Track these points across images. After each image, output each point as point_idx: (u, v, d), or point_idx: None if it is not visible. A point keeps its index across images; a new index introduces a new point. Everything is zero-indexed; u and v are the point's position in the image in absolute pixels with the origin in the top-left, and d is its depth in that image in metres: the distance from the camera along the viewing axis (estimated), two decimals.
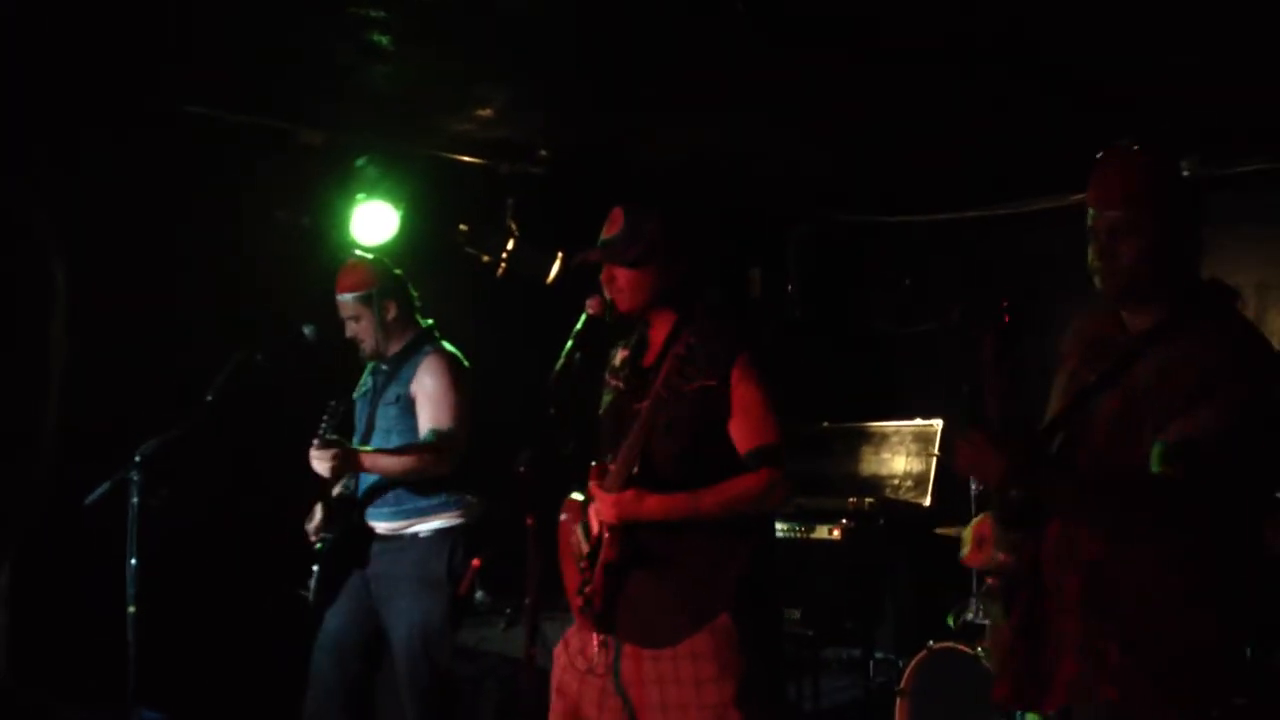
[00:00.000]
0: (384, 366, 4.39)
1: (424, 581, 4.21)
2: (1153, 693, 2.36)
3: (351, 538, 4.24)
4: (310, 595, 4.28)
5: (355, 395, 4.54)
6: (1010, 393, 2.55)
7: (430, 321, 4.48)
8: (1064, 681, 2.43)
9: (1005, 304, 2.61)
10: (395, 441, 4.23)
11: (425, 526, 4.26)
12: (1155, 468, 2.31)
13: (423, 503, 4.27)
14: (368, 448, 4.24)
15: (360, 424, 4.39)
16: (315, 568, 4.30)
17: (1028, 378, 2.59)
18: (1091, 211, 2.48)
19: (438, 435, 4.18)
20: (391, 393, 4.31)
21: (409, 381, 4.29)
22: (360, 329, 4.32)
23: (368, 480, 4.27)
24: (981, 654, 4.45)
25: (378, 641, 4.37)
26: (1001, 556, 2.58)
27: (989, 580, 2.69)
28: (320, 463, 4.01)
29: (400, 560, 4.24)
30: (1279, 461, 2.38)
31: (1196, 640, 2.37)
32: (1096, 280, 2.49)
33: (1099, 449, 2.45)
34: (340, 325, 4.43)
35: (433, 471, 4.18)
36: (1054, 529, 2.49)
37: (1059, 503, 2.49)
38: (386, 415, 4.30)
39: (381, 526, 4.26)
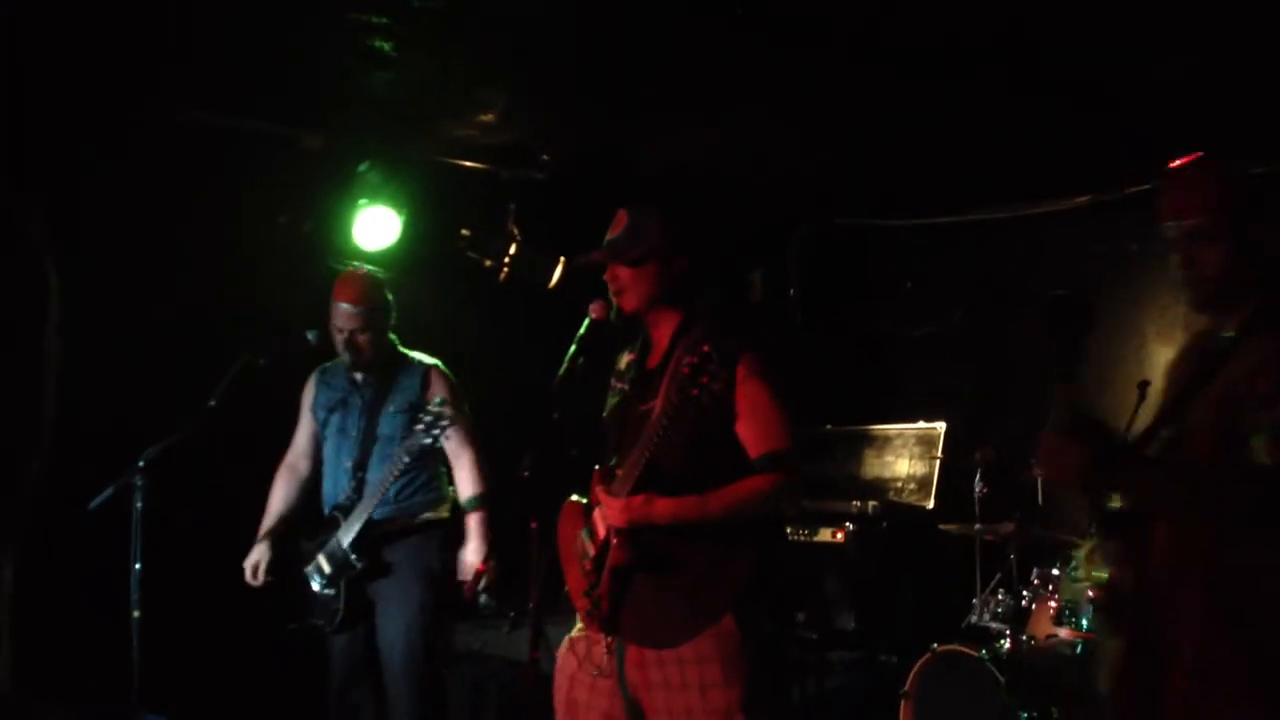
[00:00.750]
0: (366, 377, 4.41)
1: (419, 576, 4.25)
2: (1270, 712, 2.27)
3: (368, 551, 4.25)
4: (331, 624, 4.29)
5: (318, 407, 4.54)
6: (1080, 390, 2.50)
7: (394, 335, 4.51)
8: (1178, 701, 2.34)
9: (1070, 301, 2.59)
10: (397, 447, 4.24)
11: (418, 520, 4.31)
12: (1264, 459, 2.26)
13: (418, 499, 4.31)
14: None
15: (354, 432, 4.38)
16: (317, 587, 4.30)
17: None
18: (1170, 224, 2.52)
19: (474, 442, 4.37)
20: (400, 400, 4.34)
21: (418, 391, 4.33)
22: (364, 340, 4.35)
23: (373, 483, 4.28)
24: (984, 656, 4.46)
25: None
26: (1107, 571, 2.54)
27: (1095, 594, 2.59)
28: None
29: (395, 552, 4.26)
30: None
31: None
32: (1183, 291, 2.53)
33: (1196, 452, 2.41)
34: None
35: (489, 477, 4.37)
36: (1160, 536, 2.42)
37: (1146, 493, 2.44)
38: (393, 423, 4.32)
39: (377, 527, 4.27)
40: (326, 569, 4.27)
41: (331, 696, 4.34)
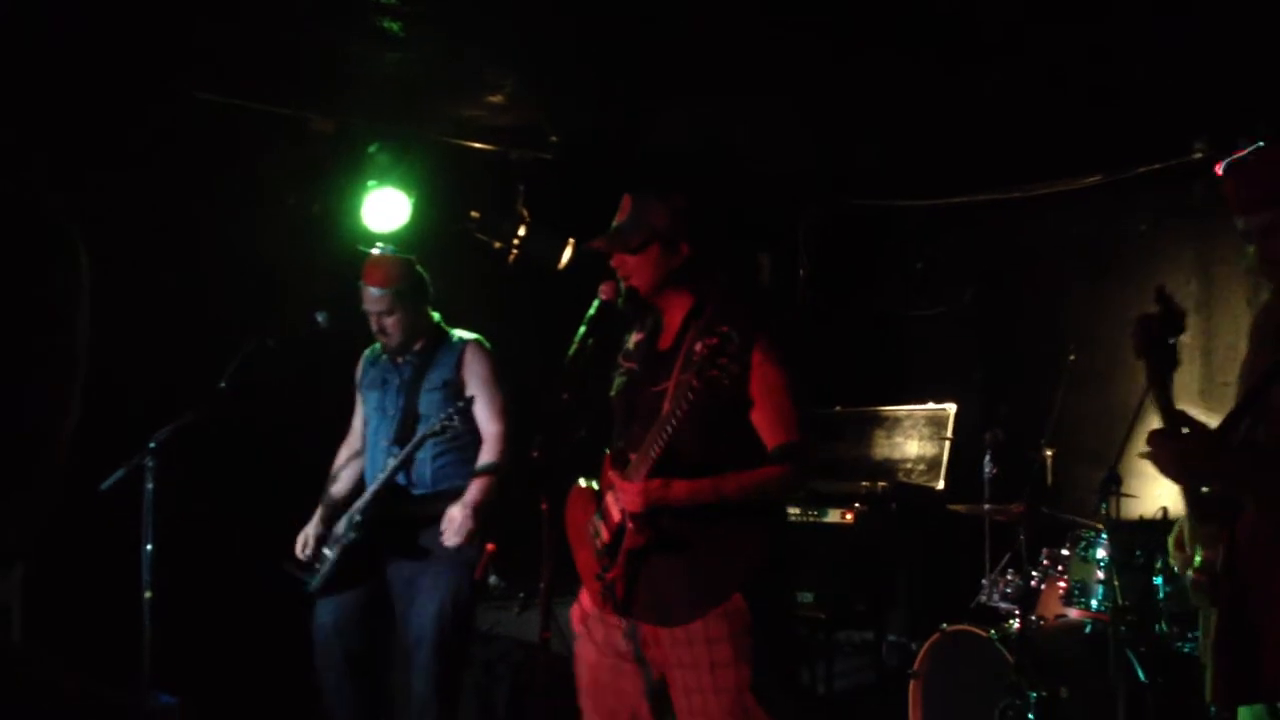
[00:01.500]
0: (407, 358, 4.42)
1: (455, 562, 4.24)
2: None
3: (380, 529, 4.24)
4: (313, 584, 4.29)
5: (364, 388, 4.55)
6: (1169, 389, 2.60)
7: (438, 315, 4.51)
8: (1272, 678, 2.41)
9: (1159, 301, 2.65)
10: (433, 424, 4.26)
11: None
12: None
13: (458, 481, 4.30)
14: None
15: (391, 411, 4.38)
16: (326, 552, 4.30)
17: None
18: (1241, 219, 2.56)
19: (505, 416, 4.33)
20: (436, 378, 4.35)
21: (455, 368, 4.34)
22: (390, 323, 4.35)
23: (383, 463, 4.28)
24: (993, 636, 4.46)
25: (380, 621, 4.41)
26: (1204, 552, 2.61)
27: (1195, 575, 2.68)
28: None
29: (432, 538, 4.25)
30: None
31: None
32: (1265, 279, 2.60)
33: (1277, 436, 2.48)
34: (356, 313, 4.43)
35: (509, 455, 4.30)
36: (1248, 517, 2.50)
37: (1245, 482, 2.52)
38: (431, 401, 4.32)
39: (413, 505, 4.28)
40: (339, 531, 4.30)
41: (323, 686, 4.31)
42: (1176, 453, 2.47)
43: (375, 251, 4.60)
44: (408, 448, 4.20)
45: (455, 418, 4.09)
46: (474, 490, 4.24)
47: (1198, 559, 2.65)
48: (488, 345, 4.47)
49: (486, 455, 4.33)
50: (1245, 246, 2.59)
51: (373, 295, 4.35)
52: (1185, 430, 2.54)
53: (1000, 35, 4.66)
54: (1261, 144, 2.61)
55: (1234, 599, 2.50)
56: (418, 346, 4.43)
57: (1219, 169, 2.66)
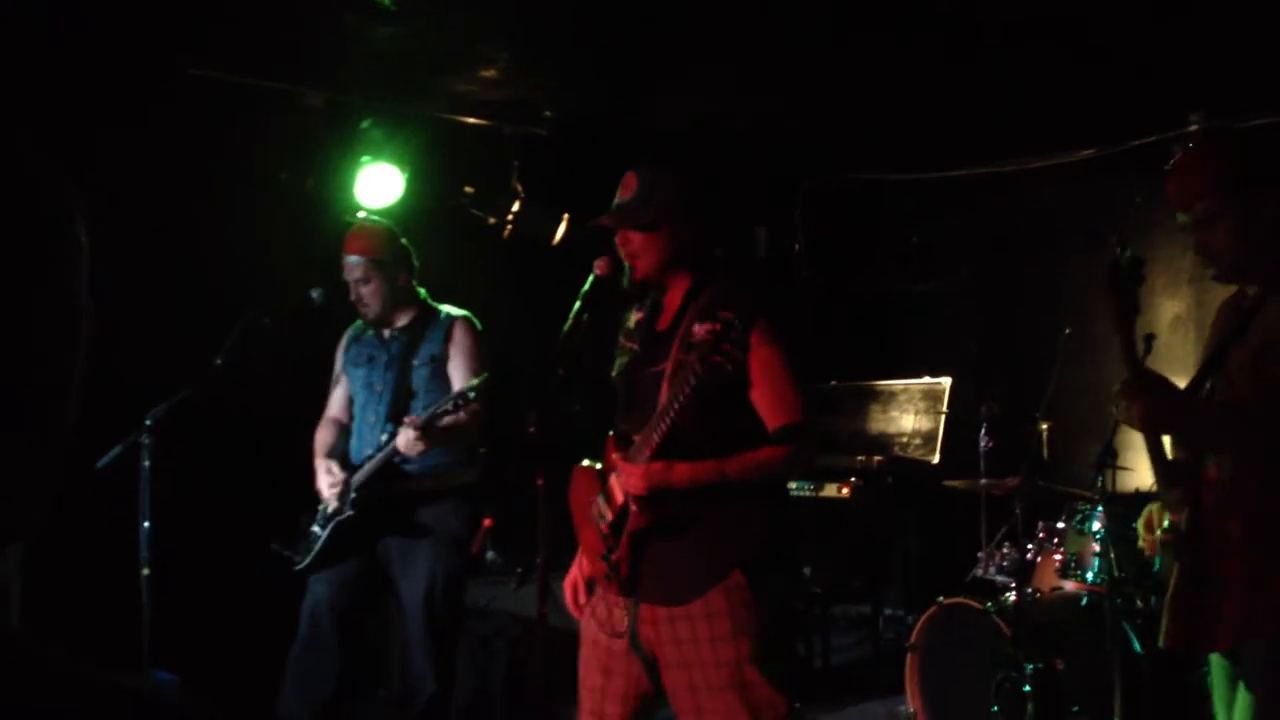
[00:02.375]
0: (394, 333, 4.39)
1: (445, 539, 4.24)
2: None
3: (372, 507, 4.23)
4: (304, 561, 4.28)
5: (348, 364, 4.52)
6: (1134, 341, 2.71)
7: (424, 291, 4.48)
8: (1232, 622, 2.53)
9: (1120, 253, 2.71)
10: (426, 401, 4.24)
11: (448, 484, 4.28)
12: None
13: (445, 459, 4.29)
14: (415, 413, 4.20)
15: (380, 387, 4.36)
16: (316, 529, 4.29)
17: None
18: (1181, 216, 2.68)
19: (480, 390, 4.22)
20: (424, 354, 4.32)
21: (442, 342, 4.32)
22: (368, 292, 4.33)
23: (375, 440, 4.27)
24: (990, 608, 4.48)
25: (374, 596, 4.40)
26: (1171, 516, 2.74)
27: (1164, 536, 2.85)
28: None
29: (423, 518, 4.25)
30: None
31: None
32: (1209, 268, 2.71)
33: (1238, 398, 2.61)
34: (347, 284, 4.42)
35: (476, 428, 4.24)
36: (1210, 478, 2.62)
37: (1202, 431, 2.67)
38: (419, 377, 4.31)
39: (405, 483, 4.27)
40: (330, 508, 4.28)
41: (296, 647, 4.26)
42: (1147, 404, 2.56)
43: (357, 220, 4.59)
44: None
45: (461, 403, 4.04)
46: (428, 417, 4.09)
47: (1166, 522, 2.78)
48: (476, 322, 4.44)
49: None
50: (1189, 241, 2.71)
51: (350, 263, 4.33)
52: (1156, 383, 2.64)
53: (994, 10, 4.64)
54: (1191, 145, 2.71)
55: (1196, 555, 2.61)
56: (403, 321, 4.39)
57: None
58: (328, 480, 4.29)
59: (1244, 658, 2.56)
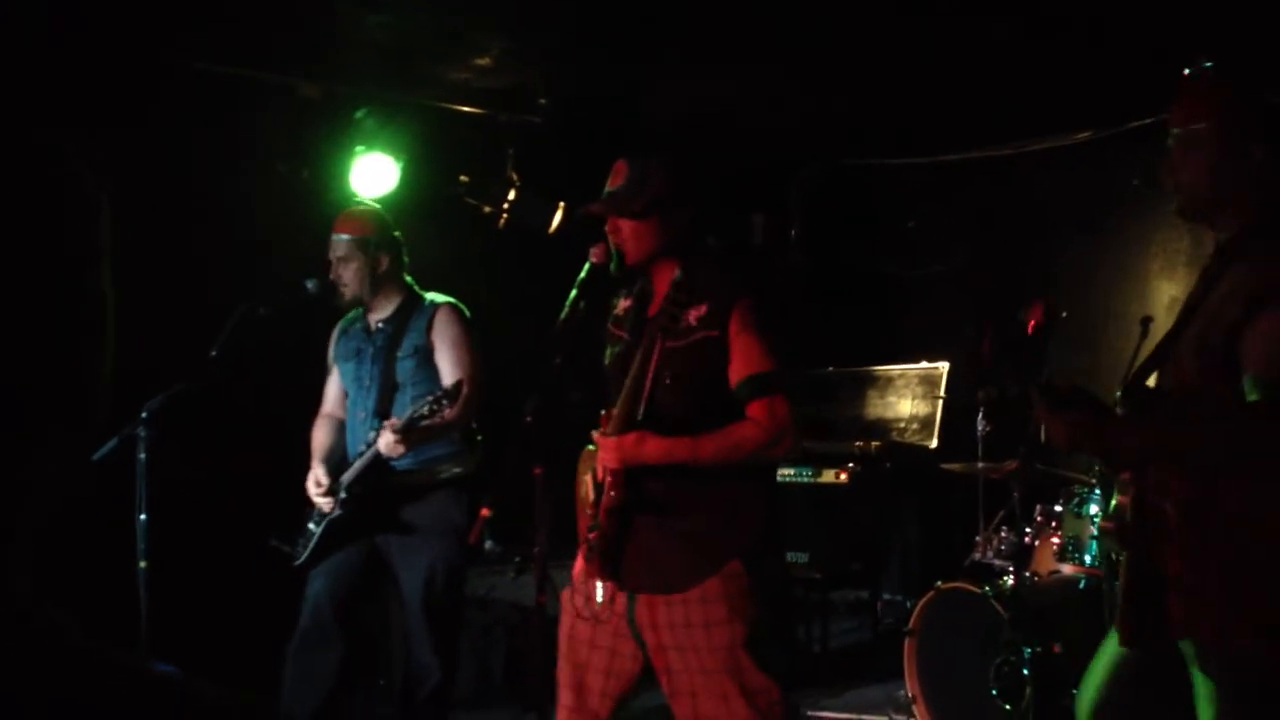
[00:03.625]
0: (379, 324, 4.37)
1: (442, 531, 4.23)
2: (1250, 625, 2.38)
3: (366, 503, 4.22)
4: (301, 556, 4.28)
5: (338, 358, 4.51)
6: (1047, 373, 2.69)
7: (411, 280, 4.46)
8: (1173, 618, 2.48)
9: (1037, 309, 2.74)
10: (413, 393, 4.23)
11: (443, 475, 4.27)
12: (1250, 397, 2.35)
13: (439, 451, 4.28)
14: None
15: (367, 381, 4.35)
16: (312, 526, 4.29)
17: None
18: (1172, 130, 2.57)
19: (472, 382, 4.21)
20: (408, 345, 4.30)
21: (425, 331, 4.30)
22: (347, 273, 4.31)
23: (365, 435, 4.26)
24: (988, 592, 4.48)
25: (374, 588, 4.40)
26: (1118, 499, 2.67)
27: (1102, 524, 2.77)
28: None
29: (420, 511, 4.24)
30: None
31: None
32: (1172, 199, 2.58)
33: (1185, 378, 2.50)
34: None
35: (463, 422, 4.22)
36: (1151, 470, 2.55)
37: (1131, 456, 2.59)
38: (404, 369, 4.29)
39: (398, 478, 4.26)
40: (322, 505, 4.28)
41: (297, 638, 4.28)
42: (1066, 425, 2.51)
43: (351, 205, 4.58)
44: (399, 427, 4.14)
45: (445, 402, 4.01)
46: (407, 420, 4.07)
47: (1111, 504, 2.69)
48: (462, 308, 4.41)
49: (448, 378, 4.21)
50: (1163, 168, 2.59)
51: (334, 241, 4.32)
52: (1077, 406, 2.56)
53: None
54: (1214, 68, 2.58)
55: (1140, 544, 2.55)
56: (387, 311, 4.36)
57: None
58: (315, 491, 4.28)
59: (1196, 651, 2.49)
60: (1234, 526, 2.40)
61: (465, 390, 4.11)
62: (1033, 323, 2.75)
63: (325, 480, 4.26)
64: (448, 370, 4.24)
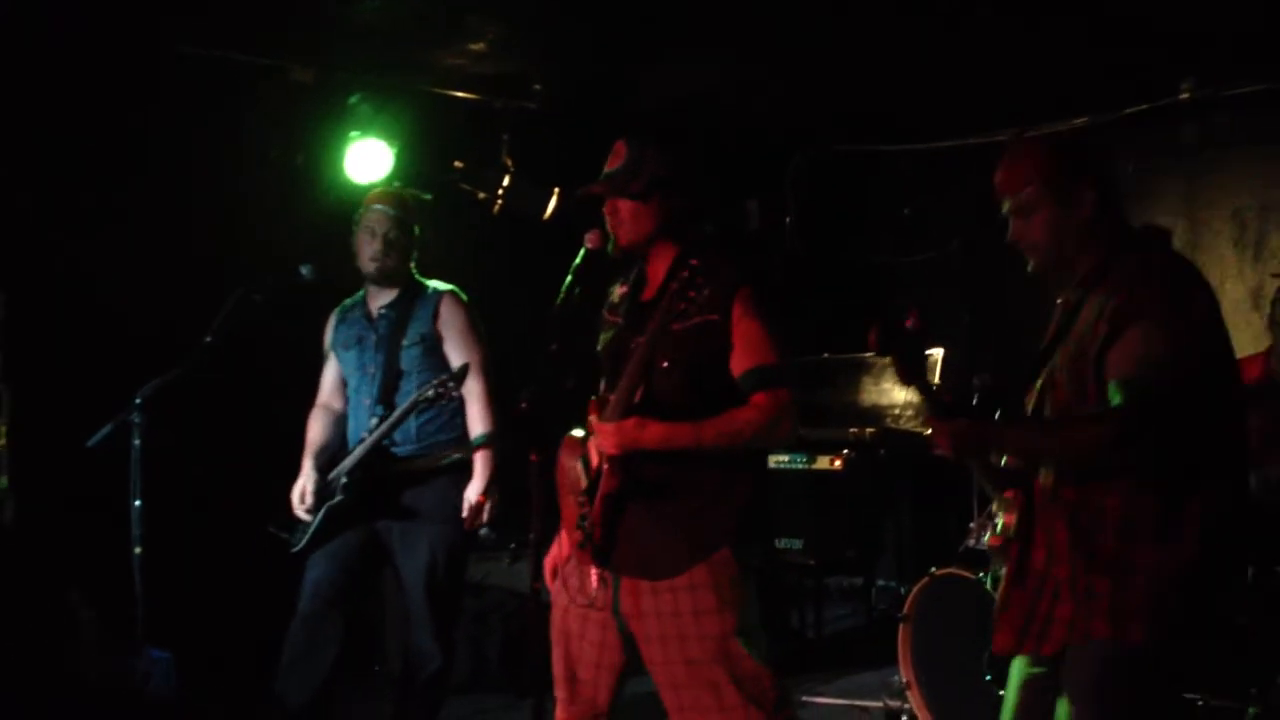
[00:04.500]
0: (381, 311, 4.36)
1: (442, 517, 4.22)
2: (1142, 622, 2.45)
3: (367, 489, 4.21)
4: (300, 542, 4.27)
5: (337, 346, 4.48)
6: (927, 386, 2.80)
7: (413, 266, 4.45)
8: (1061, 623, 2.56)
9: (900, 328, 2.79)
10: (418, 380, 4.22)
11: (445, 461, 4.27)
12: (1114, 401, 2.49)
13: (442, 437, 4.28)
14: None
15: (371, 369, 4.33)
16: (309, 516, 4.27)
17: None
18: (1003, 200, 2.74)
19: (485, 370, 4.24)
20: (413, 332, 4.28)
21: (430, 320, 4.29)
22: (377, 245, 4.27)
23: (367, 422, 4.26)
24: (982, 578, 4.49)
25: (374, 574, 4.40)
26: (1003, 518, 2.79)
27: (990, 540, 2.92)
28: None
29: (421, 497, 4.23)
30: (1214, 371, 2.55)
31: (1177, 565, 2.46)
32: (1027, 258, 2.74)
33: (1061, 399, 2.64)
34: (341, 266, 4.38)
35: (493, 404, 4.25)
36: (1037, 482, 2.67)
37: (1012, 451, 2.74)
38: (409, 357, 4.27)
39: (400, 464, 4.25)
40: (313, 504, 4.27)
41: (296, 623, 4.28)
42: (950, 435, 2.61)
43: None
44: (397, 413, 4.14)
45: (451, 385, 4.02)
46: (480, 469, 4.19)
47: (999, 524, 2.81)
48: (464, 296, 4.40)
49: (477, 422, 4.24)
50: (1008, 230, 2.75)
51: (378, 212, 4.29)
52: (956, 414, 2.69)
53: None
54: (1020, 137, 2.78)
55: (1021, 557, 2.68)
56: (389, 298, 4.35)
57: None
58: (299, 506, 4.27)
59: (1067, 661, 2.57)
60: (1123, 529, 2.50)
61: (482, 385, 4.19)
62: (909, 323, 2.81)
63: (310, 495, 4.26)
64: (457, 360, 4.24)
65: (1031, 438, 2.72)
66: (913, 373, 2.79)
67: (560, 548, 3.12)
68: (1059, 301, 2.80)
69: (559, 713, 3.06)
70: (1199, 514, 2.47)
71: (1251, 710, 3.74)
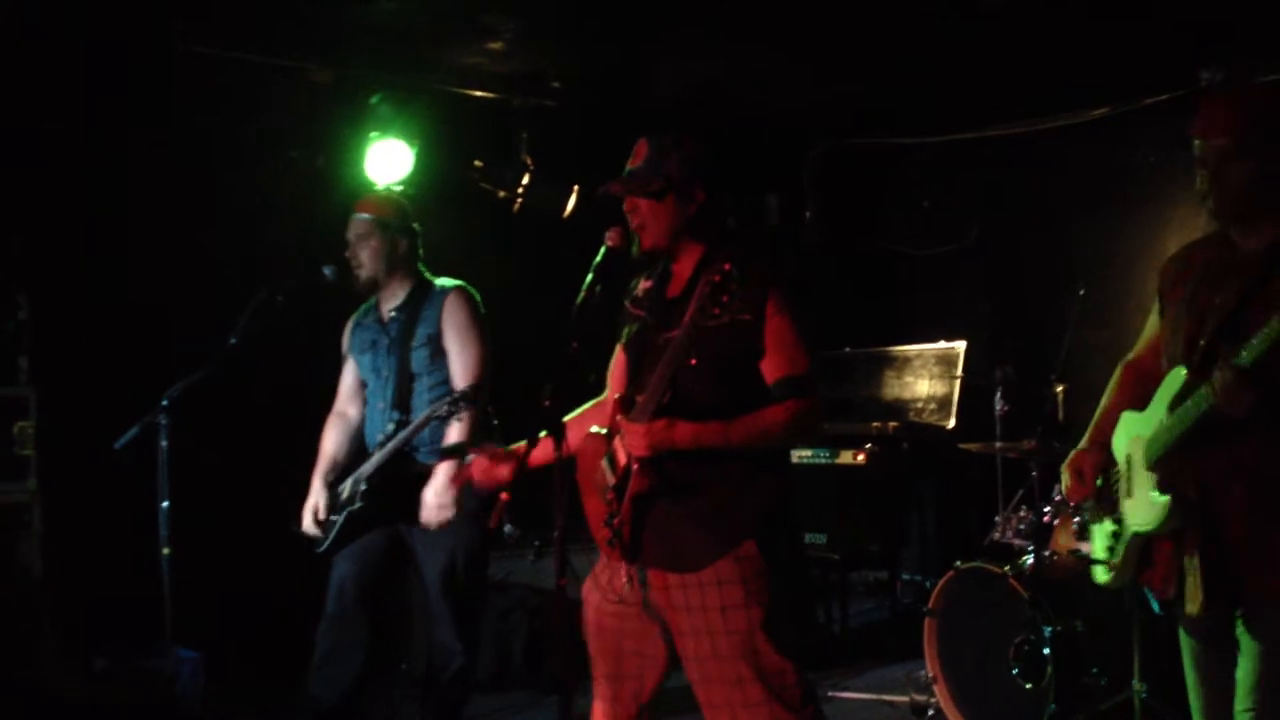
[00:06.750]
0: (392, 313, 4.36)
1: (461, 515, 4.23)
2: None
3: (386, 491, 4.22)
4: (325, 542, 4.28)
5: (354, 350, 4.49)
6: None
7: (424, 268, 4.45)
8: (1246, 583, 2.61)
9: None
10: (430, 382, 4.23)
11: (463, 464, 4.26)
12: None
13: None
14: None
15: (385, 372, 4.33)
16: (333, 516, 4.28)
17: None
18: (1198, 142, 2.68)
19: (478, 372, 4.23)
20: (420, 334, 4.29)
21: (436, 320, 4.29)
22: (365, 252, 4.29)
23: (383, 426, 4.26)
24: (1008, 572, 4.48)
25: (399, 572, 4.42)
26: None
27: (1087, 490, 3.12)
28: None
29: None
30: None
31: None
32: (1206, 205, 2.71)
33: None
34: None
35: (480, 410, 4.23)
36: (1218, 449, 2.65)
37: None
38: (419, 359, 4.28)
39: (419, 466, 4.26)
40: (342, 496, 4.29)
41: (324, 624, 4.29)
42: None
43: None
44: (410, 428, 4.13)
45: (462, 405, 4.02)
46: (438, 474, 4.13)
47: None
48: (471, 291, 4.37)
49: (454, 432, 4.20)
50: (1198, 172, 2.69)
51: (355, 220, 4.29)
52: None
53: None
54: (1238, 81, 2.73)
55: (1204, 522, 2.68)
56: (400, 298, 4.35)
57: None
58: (309, 526, 4.27)
59: (1258, 615, 2.60)
60: None
61: (473, 384, 4.14)
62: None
63: (323, 511, 4.27)
64: (454, 357, 4.24)
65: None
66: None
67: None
68: (1197, 261, 2.83)
69: (598, 707, 3.06)
70: None
71: None
